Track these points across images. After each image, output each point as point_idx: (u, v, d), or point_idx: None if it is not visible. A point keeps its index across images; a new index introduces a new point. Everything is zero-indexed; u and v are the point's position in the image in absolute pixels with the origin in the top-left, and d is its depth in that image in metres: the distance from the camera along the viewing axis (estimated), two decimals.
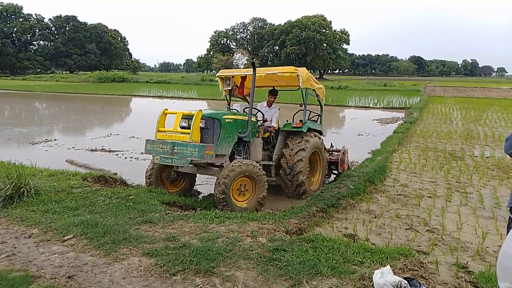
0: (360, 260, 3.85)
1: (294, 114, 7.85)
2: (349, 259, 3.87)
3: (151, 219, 4.87)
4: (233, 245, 4.14)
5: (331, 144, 9.05)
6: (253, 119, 6.54)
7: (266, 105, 7.46)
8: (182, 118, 5.82)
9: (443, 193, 6.83)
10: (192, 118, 5.51)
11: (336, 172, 8.36)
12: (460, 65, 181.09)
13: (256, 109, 7.20)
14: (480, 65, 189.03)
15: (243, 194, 5.81)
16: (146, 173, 6.43)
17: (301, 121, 7.05)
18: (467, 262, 4.19)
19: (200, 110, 5.56)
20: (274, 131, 7.21)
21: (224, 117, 5.88)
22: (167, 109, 6.03)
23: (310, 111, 7.58)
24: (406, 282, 3.21)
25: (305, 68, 6.89)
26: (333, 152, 8.52)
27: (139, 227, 4.63)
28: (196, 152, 5.20)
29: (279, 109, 7.50)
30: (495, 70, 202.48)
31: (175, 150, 5.36)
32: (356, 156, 10.08)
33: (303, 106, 7.14)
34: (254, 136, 6.51)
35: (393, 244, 4.61)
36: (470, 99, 29.89)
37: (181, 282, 3.44)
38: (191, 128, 5.39)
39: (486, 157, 9.78)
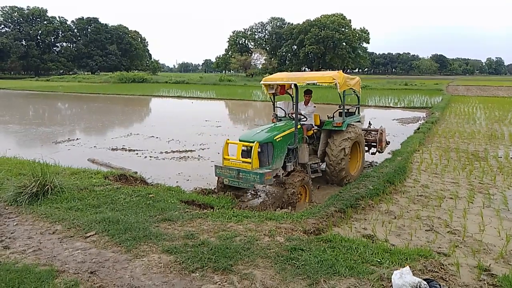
0: (379, 260, 3.82)
1: (335, 112, 8.37)
2: (368, 259, 3.84)
3: (170, 217, 4.95)
4: (251, 243, 4.17)
5: (369, 122, 9.68)
6: (298, 126, 7.13)
7: (303, 104, 8.00)
8: (242, 146, 6.52)
9: (465, 194, 6.68)
10: (251, 147, 6.25)
11: (374, 151, 9.20)
12: (484, 64, 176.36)
13: (281, 108, 8.23)
14: (506, 64, 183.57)
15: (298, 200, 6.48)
16: (217, 189, 7.07)
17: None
18: (489, 264, 4.10)
19: (257, 142, 6.23)
20: (317, 127, 7.91)
21: (275, 138, 6.55)
22: (228, 139, 6.76)
23: (349, 109, 8.37)
24: (425, 283, 3.17)
25: (341, 72, 7.42)
26: (371, 132, 9.18)
27: (158, 225, 4.71)
28: (258, 178, 6.03)
29: (315, 106, 8.05)
30: None
31: (240, 176, 6.22)
32: (376, 156, 9.97)
33: (342, 107, 7.85)
34: (301, 142, 7.20)
35: (413, 245, 4.55)
36: (495, 99, 29.07)
37: (199, 279, 3.49)
38: (251, 158, 6.14)
39: (511, 158, 9.51)
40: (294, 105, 7.24)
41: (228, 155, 6.57)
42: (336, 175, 7.52)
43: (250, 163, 6.13)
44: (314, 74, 7.72)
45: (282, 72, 9.00)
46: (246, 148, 6.37)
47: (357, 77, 8.31)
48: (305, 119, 7.53)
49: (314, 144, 7.84)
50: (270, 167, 6.39)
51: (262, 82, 7.92)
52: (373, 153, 9.41)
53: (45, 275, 3.48)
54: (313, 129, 7.80)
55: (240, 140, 6.54)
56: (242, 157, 6.33)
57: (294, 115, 7.57)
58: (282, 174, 6.71)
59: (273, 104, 8.26)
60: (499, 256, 4.34)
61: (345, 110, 8.02)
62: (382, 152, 9.44)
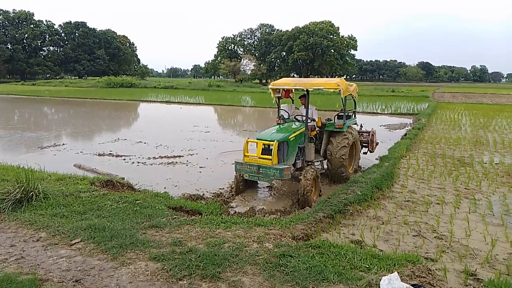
0: (367, 266, 3.83)
1: (335, 116, 8.94)
2: (356, 265, 3.84)
3: (157, 223, 4.89)
4: (239, 250, 4.14)
5: (361, 125, 10.25)
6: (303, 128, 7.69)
7: (304, 107, 8.48)
8: (263, 145, 7.01)
9: (451, 199, 6.76)
10: (268, 145, 6.87)
11: (366, 150, 10.00)
12: (469, 71, 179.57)
13: (285, 110, 8.84)
14: (490, 71, 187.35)
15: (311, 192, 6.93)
16: (235, 184, 7.46)
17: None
18: (476, 269, 4.14)
19: (277, 140, 6.80)
20: (319, 129, 8.47)
21: (289, 137, 7.13)
22: (249, 138, 7.29)
23: (348, 113, 8.93)
24: None
25: (343, 80, 8.13)
26: (363, 133, 9.98)
27: (146, 232, 4.65)
28: (277, 173, 6.61)
29: (316, 108, 8.65)
30: (505, 76, 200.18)
31: (260, 171, 6.78)
32: (364, 162, 10.05)
33: (343, 110, 8.50)
34: (308, 141, 7.85)
35: (401, 251, 4.58)
36: (479, 105, 29.62)
37: (187, 287, 3.45)
38: (272, 155, 6.68)
39: (496, 163, 9.67)
40: (305, 108, 7.89)
41: (248, 153, 7.04)
42: (337, 172, 8.10)
43: (270, 159, 6.71)
44: (320, 80, 8.56)
45: (293, 77, 9.53)
46: (264, 146, 6.93)
47: (354, 84, 8.91)
48: (310, 121, 8.05)
49: (316, 144, 8.41)
50: (285, 164, 6.97)
51: (269, 86, 8.59)
52: (364, 153, 10.08)
53: (28, 284, 3.39)
54: (316, 130, 8.39)
55: (257, 139, 7.09)
56: (261, 154, 6.87)
57: (297, 117, 8.41)
58: (292, 170, 7.28)
59: (278, 107, 8.82)
60: (485, 260, 4.39)
61: (345, 114, 8.60)
62: (373, 152, 10.17)
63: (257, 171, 6.80)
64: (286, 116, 8.69)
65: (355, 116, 9.52)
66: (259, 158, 6.87)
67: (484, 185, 7.67)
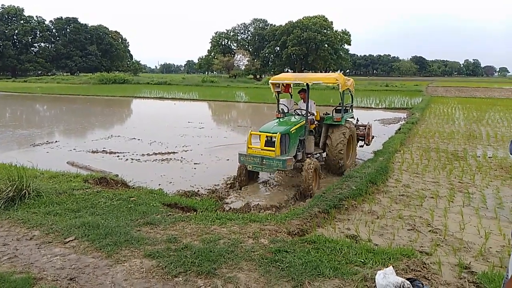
0: (363, 261, 3.84)
1: (333, 109, 9.21)
2: (352, 260, 3.85)
3: (152, 220, 4.87)
4: (234, 246, 4.13)
5: (357, 119, 10.30)
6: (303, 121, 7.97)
7: (303, 102, 8.80)
8: (266, 137, 7.26)
9: (445, 193, 6.80)
10: (271, 137, 7.13)
11: (362, 144, 10.29)
12: (462, 65, 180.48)
13: (285, 104, 9.04)
14: (482, 65, 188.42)
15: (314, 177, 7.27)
16: (237, 175, 7.71)
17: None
18: (469, 262, 4.17)
19: (279, 133, 7.06)
20: (317, 122, 8.73)
21: (291, 130, 7.39)
22: (252, 131, 7.50)
23: (345, 107, 9.21)
24: (408, 282, 3.20)
25: (341, 74, 8.48)
26: (360, 127, 10.20)
27: (140, 229, 4.63)
28: (280, 164, 6.86)
29: (314, 103, 8.80)
30: (497, 70, 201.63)
31: (264, 162, 7.03)
32: (358, 156, 10.08)
33: (341, 104, 8.87)
34: (308, 134, 8.11)
35: (396, 245, 4.59)
36: (472, 99, 29.79)
37: (182, 283, 3.43)
38: (275, 147, 6.97)
39: (489, 157, 9.74)
40: (306, 102, 8.11)
41: (251, 145, 7.28)
42: (335, 163, 8.38)
43: (273, 151, 6.97)
44: (319, 75, 9.01)
45: (288, 72, 9.79)
46: (267, 139, 7.18)
47: (352, 78, 9.27)
48: (310, 115, 8.23)
49: (315, 137, 8.67)
50: (287, 155, 7.21)
51: (270, 81, 8.81)
52: (361, 146, 10.35)
53: (21, 283, 3.36)
54: (315, 123, 8.65)
55: (260, 132, 7.32)
56: (265, 146, 7.12)
57: (297, 111, 8.63)
58: (293, 162, 7.44)
59: (278, 101, 9.02)
60: (479, 253, 4.42)
61: (343, 108, 8.89)
62: (369, 145, 10.42)
63: (261, 162, 7.04)
64: (285, 110, 8.91)
65: (352, 110, 9.84)
66: (262, 149, 7.11)
67: (477, 179, 7.72)
